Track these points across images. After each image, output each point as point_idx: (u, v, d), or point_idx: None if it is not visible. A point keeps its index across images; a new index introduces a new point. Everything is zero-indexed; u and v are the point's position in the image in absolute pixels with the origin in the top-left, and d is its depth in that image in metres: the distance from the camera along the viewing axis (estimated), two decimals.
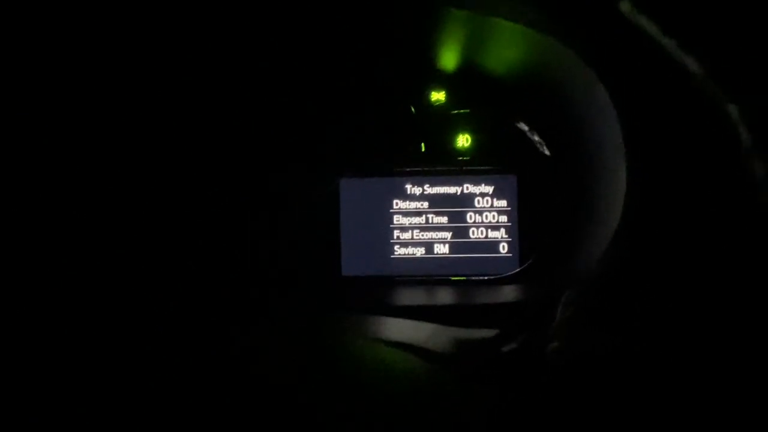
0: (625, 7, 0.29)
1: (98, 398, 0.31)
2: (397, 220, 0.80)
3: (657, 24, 0.27)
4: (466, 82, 0.77)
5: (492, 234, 0.79)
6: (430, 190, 0.79)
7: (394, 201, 0.79)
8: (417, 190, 0.79)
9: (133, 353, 0.36)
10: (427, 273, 0.79)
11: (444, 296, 0.73)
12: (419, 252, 0.79)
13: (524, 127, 0.78)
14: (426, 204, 0.79)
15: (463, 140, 0.79)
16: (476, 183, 0.79)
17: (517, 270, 0.78)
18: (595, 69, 0.53)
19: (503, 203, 0.78)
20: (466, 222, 0.79)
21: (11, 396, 0.31)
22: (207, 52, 0.67)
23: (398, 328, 0.42)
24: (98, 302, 0.57)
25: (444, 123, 0.79)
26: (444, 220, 0.79)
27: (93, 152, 0.65)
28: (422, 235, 0.79)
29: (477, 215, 0.79)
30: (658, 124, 0.49)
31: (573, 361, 0.43)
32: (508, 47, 0.65)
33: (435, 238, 0.79)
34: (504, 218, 0.79)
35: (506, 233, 0.79)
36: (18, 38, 0.54)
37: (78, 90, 0.62)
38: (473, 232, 0.79)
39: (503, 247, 0.79)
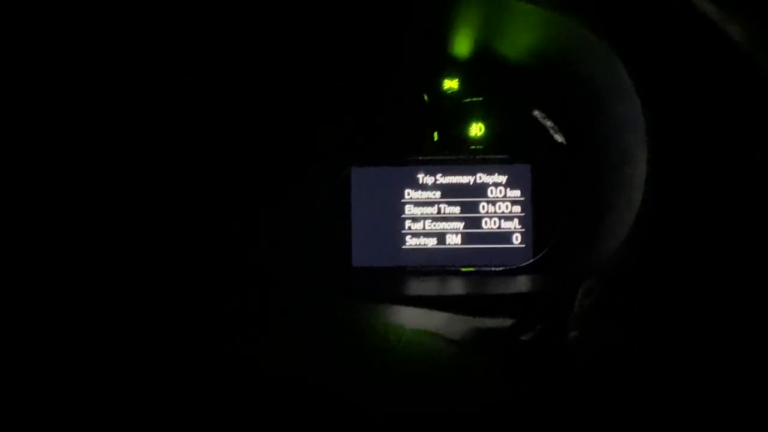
0: None
1: (107, 390, 0.30)
2: (409, 210, 0.78)
3: None
4: (479, 69, 0.76)
5: (505, 224, 0.77)
6: (442, 179, 0.78)
7: (406, 190, 0.78)
8: (429, 180, 0.78)
9: (143, 346, 0.35)
10: (438, 264, 0.78)
11: (456, 287, 0.72)
12: (431, 242, 0.78)
13: (539, 115, 0.77)
14: (438, 194, 0.78)
15: (477, 129, 0.78)
16: (489, 172, 0.77)
17: (531, 261, 0.77)
18: (617, 51, 0.51)
19: (517, 193, 0.77)
20: (478, 212, 0.78)
21: (11, 395, 0.30)
22: (219, 40, 0.66)
23: (413, 316, 0.41)
24: (107, 296, 0.57)
25: (457, 111, 0.78)
26: (456, 210, 0.78)
27: (101, 148, 0.65)
28: (434, 226, 0.78)
29: (490, 205, 0.78)
30: (683, 111, 0.48)
31: (592, 351, 0.42)
32: (524, 31, 0.64)
33: (447, 229, 0.78)
34: (517, 208, 0.77)
35: (519, 224, 0.77)
36: (17, 38, 0.53)
37: (77, 90, 0.61)
38: (486, 222, 0.78)
39: (516, 237, 0.77)
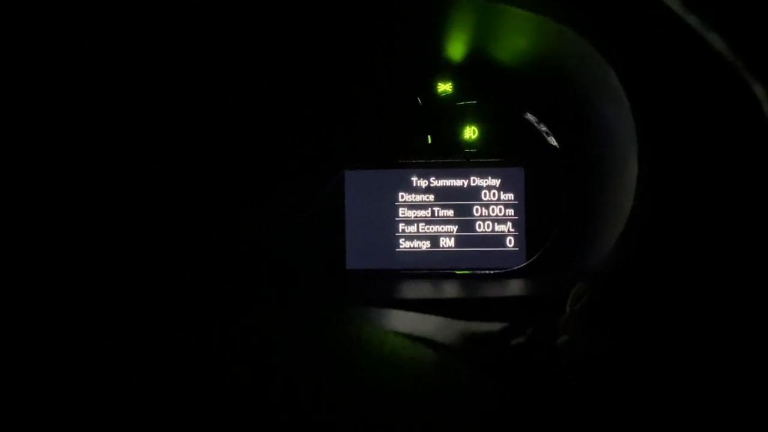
0: None
1: (103, 392, 0.30)
2: (403, 212, 0.79)
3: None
4: (473, 72, 0.76)
5: (499, 227, 0.78)
6: (436, 182, 0.78)
7: (400, 193, 0.78)
8: (423, 183, 0.78)
9: (138, 346, 0.35)
10: (432, 267, 0.78)
11: (450, 290, 0.72)
12: (425, 245, 0.78)
13: (532, 118, 0.77)
14: (432, 197, 0.78)
15: (470, 132, 0.78)
16: (483, 176, 0.78)
17: (524, 264, 0.77)
18: (607, 56, 0.51)
19: (510, 196, 0.77)
20: (472, 215, 0.78)
21: (10, 395, 0.30)
22: (215, 44, 0.66)
23: (404, 320, 0.41)
24: (104, 295, 0.57)
25: (451, 114, 0.78)
26: (450, 213, 0.78)
27: (103, 146, 0.65)
28: (428, 229, 0.78)
29: (483, 208, 0.78)
30: (672, 113, 0.48)
31: (582, 355, 0.42)
32: (517, 36, 0.64)
33: (441, 232, 0.78)
34: (511, 211, 0.77)
35: (513, 227, 0.77)
36: (17, 38, 0.53)
37: (77, 89, 0.61)
38: (479, 225, 0.78)
39: (510, 241, 0.77)
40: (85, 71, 0.61)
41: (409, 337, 0.36)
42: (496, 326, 0.42)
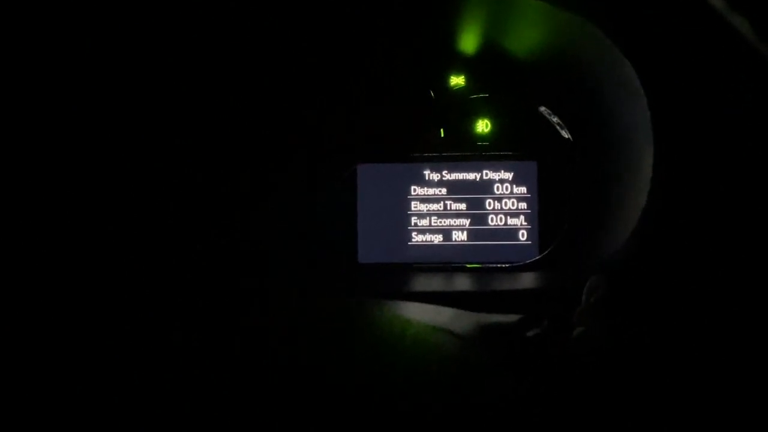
0: None
1: (115, 381, 0.30)
2: (415, 206, 0.79)
3: None
4: (486, 65, 0.76)
5: (511, 221, 0.77)
6: (448, 176, 0.78)
7: (412, 187, 0.78)
8: (435, 176, 0.78)
9: (139, 346, 0.36)
10: (444, 260, 0.78)
11: (462, 283, 0.72)
12: (437, 239, 0.78)
13: (545, 111, 0.76)
14: (444, 190, 0.78)
15: (483, 125, 0.78)
16: (496, 169, 0.77)
17: (537, 258, 0.77)
18: (623, 47, 0.51)
19: (523, 189, 0.77)
20: (484, 209, 0.78)
21: (10, 395, 0.30)
22: (227, 38, 0.67)
23: (420, 312, 0.42)
24: (107, 294, 0.57)
25: (463, 108, 0.78)
26: (462, 206, 0.78)
27: (111, 146, 0.65)
28: (440, 222, 0.78)
29: (496, 202, 0.78)
30: (690, 108, 0.48)
31: (597, 348, 0.42)
32: (530, 27, 0.64)
33: (453, 225, 0.78)
34: (524, 205, 0.77)
35: (526, 220, 0.77)
36: (17, 38, 0.54)
37: (83, 90, 0.62)
38: (492, 219, 0.78)
39: (522, 234, 0.77)
40: (86, 72, 0.61)
41: (429, 325, 0.36)
42: (512, 318, 0.42)
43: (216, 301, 0.47)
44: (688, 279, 0.53)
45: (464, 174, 0.78)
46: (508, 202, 0.77)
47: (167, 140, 0.70)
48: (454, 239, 0.78)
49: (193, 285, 0.62)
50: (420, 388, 0.30)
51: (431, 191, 0.78)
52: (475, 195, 0.78)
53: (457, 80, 0.77)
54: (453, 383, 0.31)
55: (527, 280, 0.72)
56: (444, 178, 0.78)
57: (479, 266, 0.77)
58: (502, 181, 0.77)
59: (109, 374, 0.32)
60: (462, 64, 0.77)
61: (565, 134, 0.76)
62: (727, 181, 0.51)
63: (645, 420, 0.39)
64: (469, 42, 0.72)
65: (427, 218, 0.79)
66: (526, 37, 0.67)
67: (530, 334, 0.41)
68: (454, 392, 0.30)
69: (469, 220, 0.78)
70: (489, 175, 0.78)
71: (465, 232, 0.78)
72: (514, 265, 0.76)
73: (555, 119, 0.76)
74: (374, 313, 0.36)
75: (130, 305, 0.48)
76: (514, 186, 0.77)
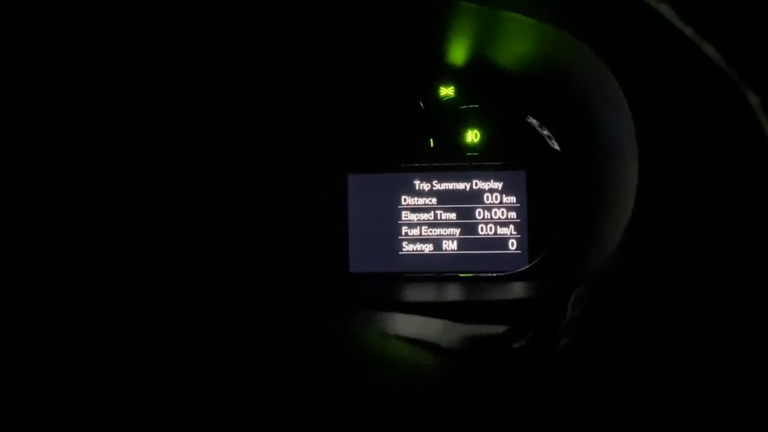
0: None
1: (108, 388, 0.30)
2: (405, 216, 0.79)
3: (677, 10, 0.26)
4: (475, 77, 0.76)
5: (501, 230, 0.78)
6: (438, 186, 0.79)
7: (402, 197, 0.79)
8: (425, 186, 0.79)
9: (139, 346, 0.36)
10: (435, 270, 0.78)
11: (452, 293, 0.72)
12: (427, 248, 0.79)
13: (534, 122, 0.77)
14: (434, 200, 0.79)
15: (472, 136, 0.79)
16: (485, 179, 0.78)
17: (526, 267, 0.77)
18: (607, 61, 0.52)
19: (512, 199, 0.78)
20: (474, 218, 0.78)
21: (10, 395, 0.30)
22: (218, 48, 0.67)
23: (407, 324, 0.42)
24: (105, 295, 0.57)
25: (453, 118, 0.78)
26: (452, 216, 0.79)
27: (112, 146, 0.65)
28: (430, 232, 0.79)
29: (486, 211, 0.78)
30: (672, 118, 0.48)
31: (583, 359, 0.42)
32: (518, 41, 0.65)
33: (443, 235, 0.79)
34: (513, 215, 0.78)
35: (515, 230, 0.78)
36: (17, 37, 0.54)
37: (84, 91, 0.62)
38: (482, 228, 0.78)
39: (512, 243, 0.78)
40: (86, 72, 0.61)
41: (409, 340, 0.36)
42: (497, 329, 0.42)
43: (215, 301, 0.47)
44: (676, 289, 0.53)
45: (454, 184, 0.78)
46: (498, 211, 0.78)
47: (157, 148, 0.70)
48: (444, 248, 0.79)
49: (192, 285, 0.62)
50: (394, 403, 0.30)
51: (421, 201, 0.79)
52: (465, 205, 0.78)
53: (446, 91, 0.78)
54: (429, 398, 0.31)
55: (517, 290, 0.72)
56: (434, 188, 0.79)
57: (469, 276, 0.77)
58: (491, 191, 0.78)
59: (109, 374, 0.32)
60: (451, 75, 0.77)
61: (554, 145, 0.77)
62: (712, 192, 0.52)
63: (631, 430, 0.39)
64: (458, 53, 0.73)
65: (418, 228, 0.79)
66: (513, 50, 0.68)
67: (516, 345, 0.41)
68: (434, 409, 0.30)
69: (460, 229, 0.79)
70: (479, 184, 0.78)
71: (455, 242, 0.79)
72: (503, 274, 0.77)
73: (544, 130, 0.77)
74: (350, 328, 0.36)
75: (130, 305, 0.49)
76: (504, 196, 0.78)
